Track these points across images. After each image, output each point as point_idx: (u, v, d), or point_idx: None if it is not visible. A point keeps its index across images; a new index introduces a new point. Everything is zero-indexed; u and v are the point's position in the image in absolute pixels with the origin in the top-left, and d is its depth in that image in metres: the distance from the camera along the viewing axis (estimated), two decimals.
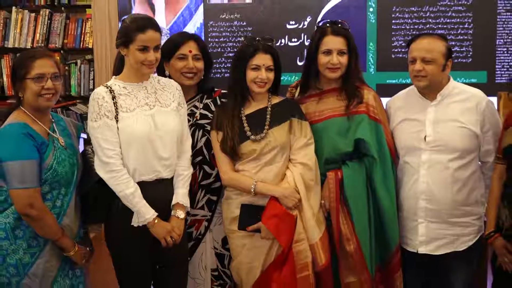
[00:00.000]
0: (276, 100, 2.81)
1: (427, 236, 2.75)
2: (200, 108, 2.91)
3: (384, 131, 2.81)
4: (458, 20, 4.01)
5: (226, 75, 3.99)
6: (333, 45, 2.76)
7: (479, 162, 2.79)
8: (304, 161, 2.71)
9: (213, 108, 2.91)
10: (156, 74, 2.85)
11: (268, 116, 2.74)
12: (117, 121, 2.51)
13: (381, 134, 2.79)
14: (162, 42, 2.94)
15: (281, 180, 2.72)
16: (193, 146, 2.80)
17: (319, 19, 4.01)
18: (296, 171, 2.70)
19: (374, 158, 2.75)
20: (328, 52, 2.76)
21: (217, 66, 4.10)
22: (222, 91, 2.99)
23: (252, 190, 2.67)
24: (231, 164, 2.74)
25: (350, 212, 2.76)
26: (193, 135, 2.81)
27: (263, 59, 2.70)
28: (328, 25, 2.80)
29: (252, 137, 2.71)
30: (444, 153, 2.70)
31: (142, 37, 2.50)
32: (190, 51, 2.86)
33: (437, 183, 2.71)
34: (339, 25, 2.80)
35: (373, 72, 4.04)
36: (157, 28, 2.55)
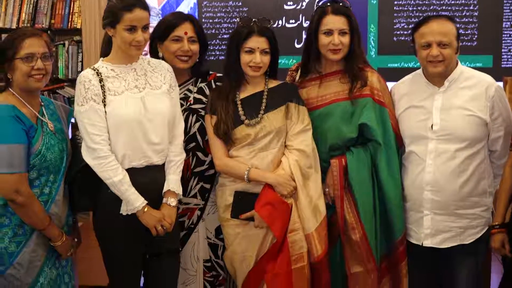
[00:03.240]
0: (273, 84, 2.78)
1: (433, 229, 2.71)
2: (194, 92, 2.88)
3: (389, 115, 2.78)
4: (463, 1, 3.99)
5: (221, 57, 3.97)
6: (334, 24, 2.72)
7: (488, 151, 2.74)
8: (301, 147, 2.69)
9: (207, 92, 2.88)
10: (148, 56, 2.81)
11: (264, 100, 2.72)
12: (104, 105, 2.47)
13: (386, 118, 2.76)
14: (155, 22, 2.92)
15: (277, 167, 2.70)
16: (186, 132, 2.77)
17: None
18: (292, 158, 2.68)
19: (379, 144, 2.73)
20: (329, 33, 2.73)
21: (211, 48, 4.07)
22: (218, 74, 2.96)
23: (245, 176, 2.65)
24: (225, 150, 2.72)
25: (355, 200, 2.74)
26: (186, 120, 2.78)
27: (257, 42, 2.66)
28: (328, 4, 2.76)
29: (247, 121, 2.68)
30: (452, 142, 2.66)
31: (129, 16, 2.45)
32: (186, 33, 2.82)
33: (444, 174, 2.66)
34: (340, 4, 2.76)
35: (374, 56, 4.03)
36: (145, 6, 2.51)
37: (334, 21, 2.72)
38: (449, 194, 2.67)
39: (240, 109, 2.71)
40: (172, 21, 2.86)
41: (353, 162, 2.73)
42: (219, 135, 2.69)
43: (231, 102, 2.72)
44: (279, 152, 2.72)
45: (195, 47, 2.85)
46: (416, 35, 2.70)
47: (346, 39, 2.73)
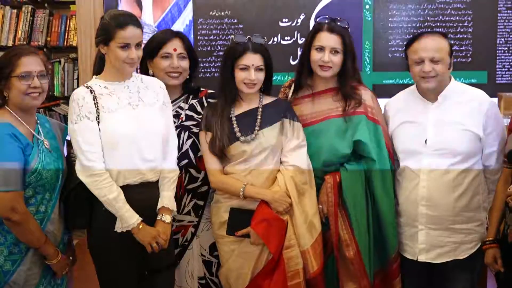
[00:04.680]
0: (267, 100, 2.81)
1: (427, 244, 2.73)
2: (186, 109, 2.90)
3: (382, 132, 2.80)
4: (457, 18, 4.01)
5: (216, 74, 3.97)
6: (327, 42, 2.75)
7: (482, 166, 2.76)
8: (296, 163, 2.70)
9: (199, 108, 2.90)
10: (138, 73, 2.83)
11: (259, 117, 2.74)
12: (98, 122, 2.48)
13: (379, 135, 2.79)
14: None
15: (273, 183, 2.71)
16: (179, 148, 2.78)
17: (313, 16, 4.03)
18: (287, 174, 2.69)
19: (373, 160, 2.75)
20: (321, 49, 2.76)
21: (206, 65, 4.08)
22: (209, 91, 2.99)
23: (241, 193, 2.65)
24: (220, 167, 2.73)
25: (349, 216, 2.75)
26: (178, 137, 2.79)
27: (252, 59, 2.69)
28: (325, 21, 2.79)
29: (242, 138, 2.69)
30: (446, 157, 2.68)
31: (122, 34, 2.47)
32: (175, 50, 2.84)
33: (438, 189, 2.69)
34: (338, 23, 2.79)
35: (369, 72, 4.03)
36: (137, 24, 2.53)
37: (327, 39, 2.76)
38: (444, 209, 2.69)
39: (235, 125, 2.73)
40: (161, 38, 2.89)
41: (348, 178, 2.75)
42: (214, 152, 2.71)
43: (226, 118, 2.73)
44: (275, 168, 2.73)
45: (185, 63, 2.88)
46: (409, 51, 2.74)
47: (337, 58, 2.76)
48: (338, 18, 2.81)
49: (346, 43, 2.77)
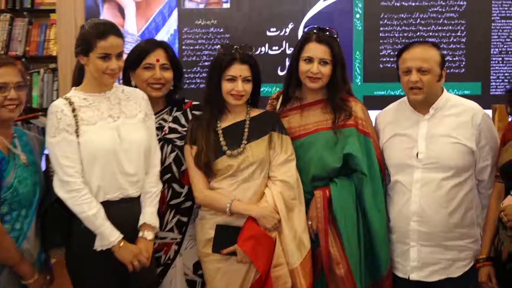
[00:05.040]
0: (255, 112, 2.81)
1: (420, 261, 2.72)
2: (169, 122, 2.90)
3: (373, 145, 2.81)
4: (450, 27, 4.04)
5: (202, 85, 3.98)
6: (315, 52, 2.77)
7: (475, 180, 2.77)
8: (285, 178, 2.70)
9: (183, 121, 2.91)
10: (119, 83, 2.83)
11: (246, 130, 2.74)
12: (77, 135, 2.47)
13: (370, 148, 2.80)
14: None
15: (260, 199, 2.70)
16: (161, 162, 2.77)
17: (302, 26, 4.05)
18: (276, 189, 2.68)
19: (364, 174, 2.75)
20: (309, 60, 2.77)
21: (192, 76, 4.10)
22: (194, 102, 2.99)
23: (227, 209, 2.64)
24: (206, 182, 2.72)
25: (339, 233, 2.74)
26: (161, 151, 2.78)
27: (239, 70, 2.69)
28: (314, 31, 2.81)
29: (228, 151, 2.69)
30: (438, 171, 2.69)
31: (103, 44, 2.47)
32: (158, 60, 2.85)
33: (430, 204, 2.69)
34: (327, 32, 2.81)
35: (359, 83, 4.06)
36: (119, 33, 2.53)
37: (316, 49, 2.77)
38: (436, 225, 2.69)
39: (221, 139, 2.73)
40: (143, 48, 2.89)
41: (338, 193, 2.75)
42: (200, 166, 2.70)
43: (212, 131, 2.73)
44: (262, 183, 2.72)
45: (168, 74, 2.88)
46: (399, 61, 2.76)
47: (326, 69, 2.77)
48: (327, 28, 2.83)
49: (335, 53, 2.78)
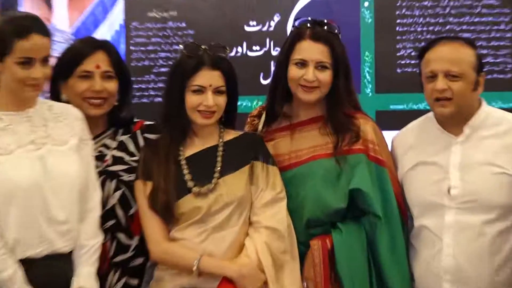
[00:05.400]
0: (231, 135, 2.83)
1: None
2: (113, 149, 2.92)
3: (390, 177, 2.83)
4: (490, 18, 4.09)
5: (157, 99, 4.00)
6: (311, 54, 2.79)
7: None
8: (272, 224, 2.70)
9: (132, 148, 2.93)
10: (45, 97, 2.82)
11: (219, 159, 2.75)
12: None
13: (385, 181, 2.81)
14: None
15: (239, 252, 2.70)
16: (103, 204, 2.76)
17: (291, 18, 4.08)
18: (260, 240, 2.68)
19: (378, 217, 2.75)
20: (302, 64, 2.80)
21: (143, 86, 4.12)
22: (146, 122, 3.01)
23: (194, 267, 2.62)
24: (165, 230, 2.72)
25: None
26: (102, 188, 2.78)
27: (209, 78, 2.71)
28: (307, 25, 2.84)
29: (196, 189, 2.69)
30: (477, 212, 2.69)
31: (23, 44, 2.46)
32: (98, 67, 2.86)
33: (469, 257, 2.69)
34: (324, 26, 2.83)
35: (370, 94, 4.08)
36: (44, 31, 2.53)
37: (311, 50, 2.80)
38: (477, 286, 2.70)
39: (185, 171, 2.73)
40: (78, 50, 2.90)
41: (343, 244, 2.75)
42: (156, 210, 2.70)
43: (172, 162, 2.74)
44: (242, 231, 2.72)
45: (112, 85, 2.90)
46: (422, 63, 2.80)
47: (325, 76, 2.80)
48: (325, 21, 2.85)
49: (336, 54, 2.81)
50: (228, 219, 2.71)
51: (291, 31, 2.93)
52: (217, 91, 2.72)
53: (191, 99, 2.72)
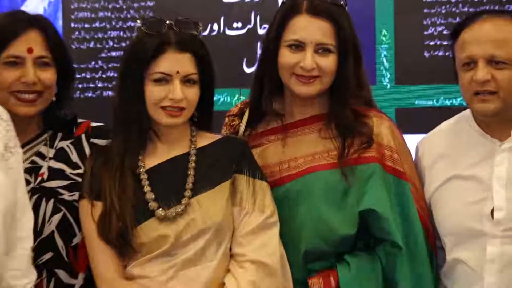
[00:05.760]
0: (205, 140, 2.88)
1: None
2: (50, 158, 2.97)
3: (413, 194, 2.87)
4: None
5: (107, 93, 4.04)
6: (309, 33, 2.83)
7: None
8: (260, 258, 2.74)
9: (74, 157, 2.98)
10: None
11: (190, 172, 2.79)
12: None
13: (407, 200, 2.86)
14: None
15: None
16: (36, 231, 2.77)
17: None
18: (245, 278, 2.72)
19: (398, 247, 2.80)
20: (297, 46, 2.84)
21: (87, 76, 4.13)
22: (93, 124, 3.07)
23: None
24: (119, 265, 2.75)
25: None
26: (35, 211, 2.77)
27: (176, 62, 2.74)
28: None
29: (160, 212, 2.72)
30: None
31: None
32: (30, 51, 2.88)
33: None
34: None
35: (388, 87, 4.11)
36: None
37: (309, 28, 2.84)
38: None
39: (147, 188, 2.77)
40: (3, 29, 2.91)
41: (351, 282, 2.81)
42: (108, 238, 2.72)
43: (129, 175, 2.77)
44: (221, 266, 2.77)
45: (48, 75, 2.93)
46: (456, 45, 2.85)
47: (328, 62, 2.85)
48: None
49: (343, 33, 2.86)
50: (203, 251, 2.74)
51: (283, 2, 2.96)
52: (186, 80, 2.75)
53: (153, 92, 2.75)
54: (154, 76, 2.74)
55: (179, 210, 2.74)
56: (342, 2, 2.90)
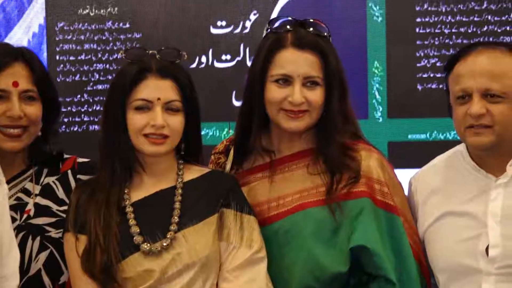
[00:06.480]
0: (192, 173, 2.89)
1: None
2: (36, 195, 2.99)
3: (406, 228, 2.88)
4: None
5: (93, 127, 4.05)
6: (296, 67, 2.85)
7: None
8: None
9: (60, 193, 3.01)
10: None
11: (176, 205, 2.81)
12: None
13: (399, 234, 2.86)
14: None
15: None
16: (22, 270, 2.79)
17: (273, 16, 4.10)
18: None
19: (391, 283, 2.79)
20: (286, 81, 2.85)
21: (73, 109, 4.13)
22: (80, 160, 3.09)
23: None
24: None
25: None
26: (21, 248, 2.76)
27: (156, 88, 2.76)
28: (288, 27, 2.90)
29: (146, 246, 2.73)
30: None
31: None
32: (16, 84, 2.90)
33: None
34: (310, 28, 2.90)
35: (380, 120, 4.13)
36: None
37: (296, 61, 2.86)
38: None
39: (132, 222, 2.79)
40: None
41: None
42: (92, 272, 2.72)
43: (114, 209, 2.78)
44: None
45: (34, 109, 2.95)
46: (450, 78, 2.86)
47: (316, 95, 2.86)
48: (311, 20, 2.92)
49: (329, 65, 2.88)
50: (189, 286, 2.75)
51: (266, 36, 2.97)
52: (169, 108, 2.78)
53: (134, 119, 2.77)
54: (135, 103, 2.77)
55: (165, 244, 2.75)
56: (326, 34, 2.92)
